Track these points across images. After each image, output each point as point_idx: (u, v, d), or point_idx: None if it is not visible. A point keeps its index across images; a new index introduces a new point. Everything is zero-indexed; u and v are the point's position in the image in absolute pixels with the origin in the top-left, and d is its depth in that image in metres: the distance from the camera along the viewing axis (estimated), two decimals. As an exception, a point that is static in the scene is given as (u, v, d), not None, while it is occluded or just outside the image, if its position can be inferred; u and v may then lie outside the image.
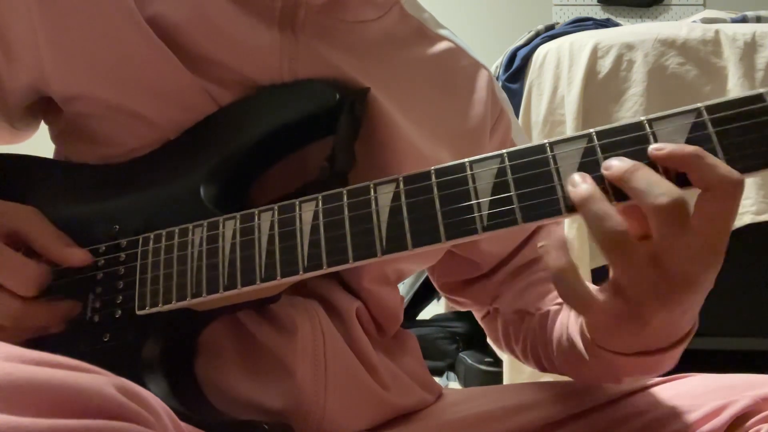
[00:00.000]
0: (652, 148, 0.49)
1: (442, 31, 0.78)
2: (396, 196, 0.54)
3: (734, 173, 0.46)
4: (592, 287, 0.52)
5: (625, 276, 0.49)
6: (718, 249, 0.48)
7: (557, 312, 0.72)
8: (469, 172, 0.53)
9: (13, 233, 0.60)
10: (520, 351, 0.80)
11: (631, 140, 0.50)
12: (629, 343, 0.55)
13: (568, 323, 0.66)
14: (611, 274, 0.50)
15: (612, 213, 0.48)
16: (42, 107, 0.71)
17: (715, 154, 0.48)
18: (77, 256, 0.61)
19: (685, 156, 0.47)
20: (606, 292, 0.51)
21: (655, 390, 0.66)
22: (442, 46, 0.76)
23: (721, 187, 0.46)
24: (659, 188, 0.46)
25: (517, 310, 0.78)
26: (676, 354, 0.57)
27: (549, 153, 0.52)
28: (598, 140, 0.51)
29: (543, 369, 0.76)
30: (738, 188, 0.47)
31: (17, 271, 0.58)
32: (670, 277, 0.48)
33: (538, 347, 0.75)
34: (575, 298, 0.50)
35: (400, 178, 0.55)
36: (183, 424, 0.47)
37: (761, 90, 0.49)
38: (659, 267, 0.48)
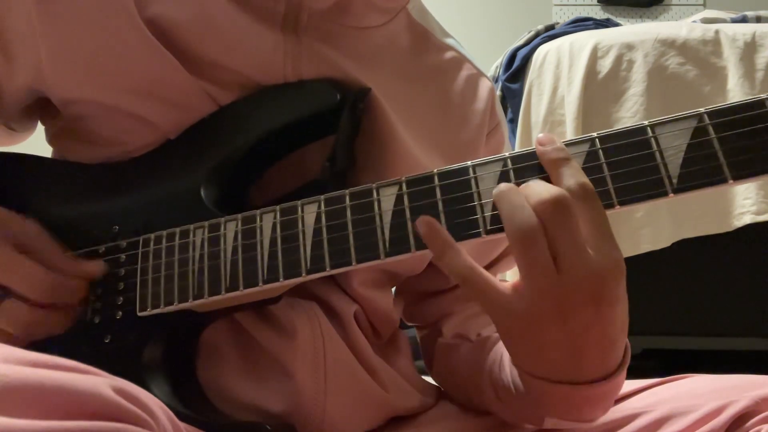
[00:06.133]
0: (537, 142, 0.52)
1: (448, 40, 0.78)
2: (399, 199, 0.54)
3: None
4: (501, 285, 0.52)
5: (527, 276, 0.49)
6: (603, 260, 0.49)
7: (497, 340, 0.69)
8: (472, 174, 0.53)
9: (22, 246, 0.60)
10: (440, 379, 0.78)
11: (632, 145, 0.50)
12: (544, 366, 0.54)
13: (503, 352, 0.65)
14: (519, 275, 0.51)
15: (524, 206, 0.49)
16: (39, 108, 0.71)
17: (717, 159, 0.48)
18: (93, 268, 0.61)
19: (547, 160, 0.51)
20: (511, 291, 0.51)
21: (655, 390, 0.66)
22: (446, 55, 0.76)
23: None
24: (519, 213, 0.49)
25: (457, 334, 0.76)
26: (603, 395, 0.55)
27: None
28: (600, 144, 0.51)
29: (467, 402, 0.74)
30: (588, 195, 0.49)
31: (29, 278, 0.58)
32: (564, 285, 0.48)
33: (466, 377, 0.71)
34: (479, 293, 0.51)
35: (403, 181, 0.55)
36: (183, 425, 0.47)
37: (762, 96, 0.49)
38: (559, 273, 0.48)
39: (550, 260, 0.48)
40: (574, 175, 0.49)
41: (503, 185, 0.51)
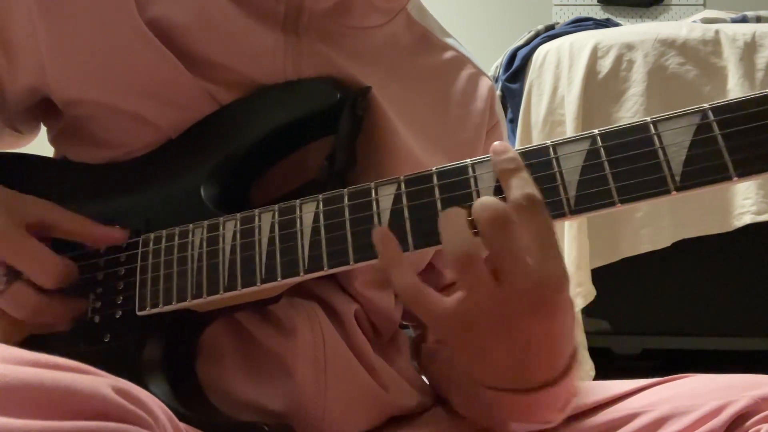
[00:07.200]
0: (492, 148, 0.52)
1: (448, 40, 0.78)
2: (397, 198, 0.54)
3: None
4: (444, 300, 0.51)
5: (466, 291, 0.49)
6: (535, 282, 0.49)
7: None
8: (471, 174, 0.53)
9: (38, 224, 0.60)
10: (429, 382, 0.78)
11: (635, 142, 0.50)
12: (490, 375, 0.54)
13: None
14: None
15: (461, 230, 0.49)
16: (41, 109, 0.71)
17: (721, 156, 0.47)
18: (115, 234, 0.61)
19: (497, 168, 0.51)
20: (454, 304, 0.51)
21: (655, 390, 0.66)
22: (446, 54, 0.76)
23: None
24: (456, 237, 0.49)
25: (439, 339, 0.76)
26: (553, 398, 0.56)
27: (552, 155, 0.51)
28: (602, 142, 0.50)
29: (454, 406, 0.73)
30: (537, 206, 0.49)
31: (42, 262, 0.58)
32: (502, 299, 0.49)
33: (443, 382, 0.72)
34: (433, 314, 0.51)
35: (402, 180, 0.55)
36: (183, 425, 0.47)
37: (767, 91, 0.48)
38: (500, 284, 0.49)
39: (488, 275, 0.48)
40: (521, 186, 0.49)
41: (449, 209, 0.51)
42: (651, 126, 0.50)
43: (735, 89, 1.69)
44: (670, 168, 0.48)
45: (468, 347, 0.52)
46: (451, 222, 0.50)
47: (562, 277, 0.49)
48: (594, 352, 1.70)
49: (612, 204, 0.49)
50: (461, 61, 0.77)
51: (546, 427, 0.61)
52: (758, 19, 2.08)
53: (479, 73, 0.78)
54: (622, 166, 0.50)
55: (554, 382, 0.54)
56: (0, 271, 0.58)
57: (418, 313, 0.51)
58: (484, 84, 0.77)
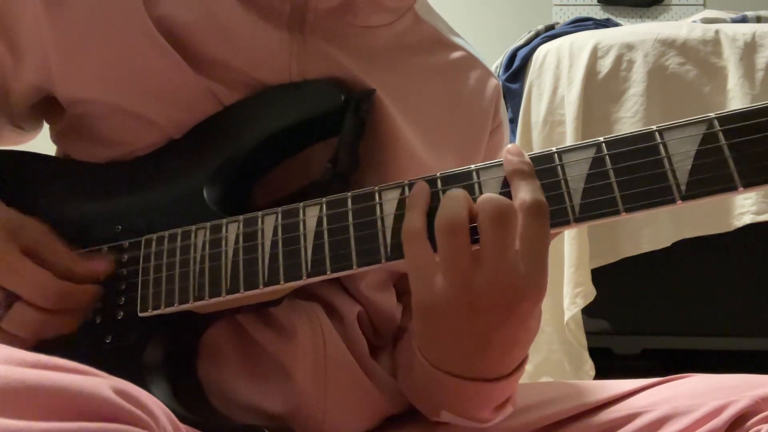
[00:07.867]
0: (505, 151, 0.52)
1: (456, 39, 0.78)
2: (402, 203, 0.54)
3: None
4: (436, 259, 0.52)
5: (443, 264, 0.50)
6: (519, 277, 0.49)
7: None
8: (475, 179, 0.53)
9: (30, 250, 0.59)
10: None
11: (640, 150, 0.49)
12: (442, 354, 0.55)
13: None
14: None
15: (460, 204, 0.50)
16: (44, 106, 0.71)
17: (727, 166, 0.47)
18: (98, 267, 0.60)
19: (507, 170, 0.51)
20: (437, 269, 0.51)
21: (655, 390, 0.66)
22: (455, 54, 0.76)
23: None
24: (451, 207, 0.50)
25: (402, 327, 0.75)
26: (488, 394, 0.57)
27: (557, 162, 0.51)
28: (607, 150, 0.50)
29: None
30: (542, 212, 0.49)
31: (38, 285, 0.57)
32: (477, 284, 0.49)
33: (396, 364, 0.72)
34: (418, 260, 0.51)
35: (406, 184, 0.54)
36: (183, 427, 0.47)
37: None
38: (479, 270, 0.49)
39: (469, 260, 0.49)
40: (532, 191, 0.50)
41: (456, 189, 0.51)
42: (657, 134, 0.49)
43: (735, 89, 1.69)
44: (675, 177, 0.48)
45: (432, 316, 0.52)
46: (453, 197, 0.51)
47: (542, 291, 0.50)
48: (594, 352, 1.70)
49: (617, 213, 0.49)
50: (471, 60, 0.77)
51: (477, 426, 0.62)
52: (758, 19, 2.08)
53: (488, 73, 0.78)
54: (628, 174, 0.49)
55: (495, 379, 0.55)
56: None
57: (406, 256, 0.52)
58: (491, 84, 0.77)
